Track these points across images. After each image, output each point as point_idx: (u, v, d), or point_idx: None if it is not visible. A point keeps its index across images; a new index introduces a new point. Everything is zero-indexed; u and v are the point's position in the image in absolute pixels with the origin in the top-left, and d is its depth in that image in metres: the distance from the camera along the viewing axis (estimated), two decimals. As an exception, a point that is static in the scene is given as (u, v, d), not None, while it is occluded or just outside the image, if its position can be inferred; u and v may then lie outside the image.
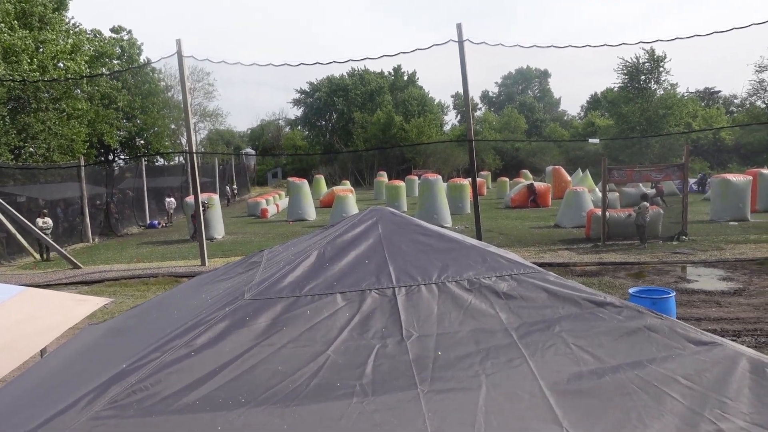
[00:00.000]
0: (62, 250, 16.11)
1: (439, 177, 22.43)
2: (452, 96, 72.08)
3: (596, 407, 1.73)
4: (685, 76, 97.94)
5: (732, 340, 7.24)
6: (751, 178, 19.74)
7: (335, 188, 33.03)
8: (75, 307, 4.39)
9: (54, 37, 26.64)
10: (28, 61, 24.12)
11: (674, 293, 7.31)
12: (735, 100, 53.46)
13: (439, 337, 2.00)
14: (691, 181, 28.98)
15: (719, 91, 55.64)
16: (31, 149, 25.65)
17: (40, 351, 4.20)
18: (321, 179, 41.49)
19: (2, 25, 23.87)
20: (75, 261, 15.48)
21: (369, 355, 1.91)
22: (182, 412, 1.68)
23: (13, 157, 24.35)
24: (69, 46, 27.36)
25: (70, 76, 25.53)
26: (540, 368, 1.86)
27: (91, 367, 2.23)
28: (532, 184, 29.06)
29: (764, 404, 1.76)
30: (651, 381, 1.82)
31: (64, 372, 2.38)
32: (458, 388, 1.78)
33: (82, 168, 21.81)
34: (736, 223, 18.00)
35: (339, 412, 1.68)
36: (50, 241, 16.29)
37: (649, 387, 1.80)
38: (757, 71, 42.25)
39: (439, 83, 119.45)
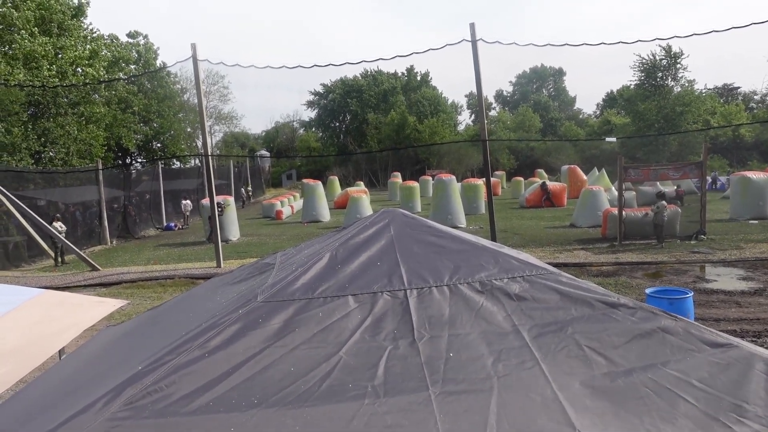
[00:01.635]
0: (81, 253, 16.37)
1: (453, 177, 22.34)
2: (466, 96, 71.84)
3: (609, 410, 1.72)
4: (702, 72, 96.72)
5: (752, 341, 7.09)
6: (771, 175, 19.40)
7: (349, 189, 33.12)
8: (92, 309, 4.46)
9: (72, 43, 27.12)
10: (48, 67, 24.59)
11: (692, 293, 7.19)
12: (755, 96, 52.53)
13: (451, 338, 1.99)
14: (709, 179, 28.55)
15: (738, 87, 54.76)
16: (50, 153, 26.12)
17: (59, 352, 4.27)
18: (335, 180, 41.59)
19: (23, 32, 24.35)
20: (93, 263, 15.72)
21: (381, 356, 1.92)
22: (196, 414, 1.70)
23: (33, 161, 24.82)
24: (87, 52, 27.83)
25: (88, 81, 25.97)
26: (552, 370, 1.85)
27: (109, 369, 2.26)
28: (544, 183, 28.86)
29: (781, 407, 1.73)
30: (664, 384, 1.80)
31: (82, 373, 2.42)
32: (470, 390, 1.78)
33: (100, 171, 22.17)
34: (756, 222, 17.69)
35: (351, 414, 1.69)
36: (69, 243, 16.56)
37: (662, 390, 1.78)
38: (777, 67, 41.51)
39: (452, 83, 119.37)
